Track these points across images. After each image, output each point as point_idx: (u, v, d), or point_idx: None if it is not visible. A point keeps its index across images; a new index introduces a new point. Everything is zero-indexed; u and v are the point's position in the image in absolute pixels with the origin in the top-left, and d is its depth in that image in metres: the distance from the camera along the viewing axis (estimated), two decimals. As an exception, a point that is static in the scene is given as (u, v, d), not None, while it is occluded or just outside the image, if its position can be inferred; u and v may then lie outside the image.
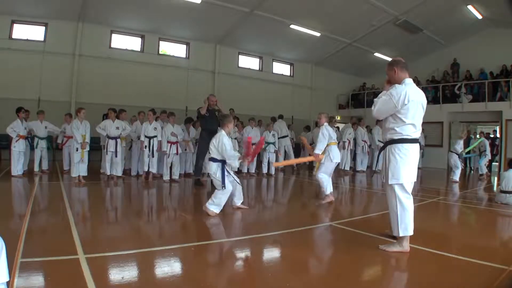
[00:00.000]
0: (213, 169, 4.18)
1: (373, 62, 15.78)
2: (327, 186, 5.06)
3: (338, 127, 11.50)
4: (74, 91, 10.85)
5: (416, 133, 2.94)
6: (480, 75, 13.15)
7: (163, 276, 2.40)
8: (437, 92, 13.41)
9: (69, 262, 2.48)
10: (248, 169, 8.83)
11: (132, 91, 11.41)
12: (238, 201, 4.54)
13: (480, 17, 12.14)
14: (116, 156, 6.75)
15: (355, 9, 11.17)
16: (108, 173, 6.78)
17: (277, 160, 9.53)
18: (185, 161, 7.93)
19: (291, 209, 4.77)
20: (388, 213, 3.11)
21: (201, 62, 13.16)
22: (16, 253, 2.51)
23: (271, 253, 3.13)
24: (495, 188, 7.27)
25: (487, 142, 10.31)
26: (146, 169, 7.21)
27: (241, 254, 3.10)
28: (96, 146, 7.89)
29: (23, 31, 10.37)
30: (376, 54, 15.02)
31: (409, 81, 2.95)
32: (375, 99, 3.04)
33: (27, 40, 10.35)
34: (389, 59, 12.02)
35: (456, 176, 8.54)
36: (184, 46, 13.16)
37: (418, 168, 3.20)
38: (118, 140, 6.84)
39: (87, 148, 6.60)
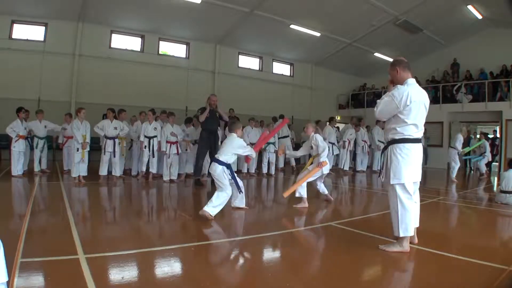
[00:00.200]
0: (218, 171, 4.06)
1: (373, 62, 15.78)
2: (303, 190, 4.91)
3: (338, 127, 11.51)
4: (74, 91, 10.86)
5: (418, 133, 2.93)
6: (480, 75, 13.16)
7: (163, 276, 2.39)
8: (437, 92, 13.42)
9: (69, 262, 2.47)
10: (248, 169, 8.83)
11: (132, 91, 11.42)
12: (239, 203, 4.47)
13: (480, 17, 12.15)
14: (114, 156, 6.74)
15: (355, 9, 11.17)
16: (104, 174, 6.74)
17: (277, 159, 9.53)
18: (186, 161, 7.91)
19: (291, 209, 4.77)
20: (388, 213, 3.11)
21: (201, 62, 13.16)
22: (16, 253, 2.51)
23: (271, 253, 3.12)
24: (495, 188, 7.27)
25: (487, 144, 10.32)
26: (144, 169, 7.20)
27: (241, 254, 3.10)
28: (96, 146, 7.89)
29: (23, 31, 10.37)
30: (376, 54, 15.02)
31: (411, 81, 2.94)
32: (378, 100, 3.04)
33: (27, 40, 10.35)
34: (389, 59, 12.02)
35: (454, 173, 8.56)
36: (184, 46, 13.16)
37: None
38: (116, 140, 6.83)
39: (88, 148, 6.60)
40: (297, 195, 4.89)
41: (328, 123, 10.03)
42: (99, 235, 3.42)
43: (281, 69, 15.73)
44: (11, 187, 6.11)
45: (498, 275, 2.45)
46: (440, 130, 13.29)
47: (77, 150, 6.46)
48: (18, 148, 6.86)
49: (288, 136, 10.30)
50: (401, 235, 2.88)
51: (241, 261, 2.93)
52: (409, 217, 2.87)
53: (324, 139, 5.62)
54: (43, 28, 10.57)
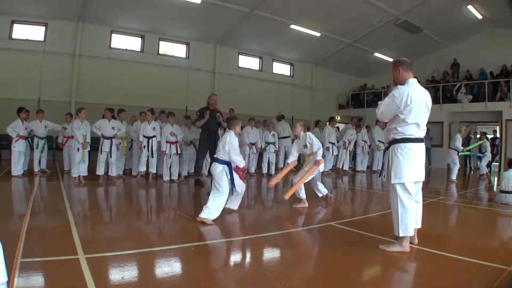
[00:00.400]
0: (218, 171, 3.94)
1: (373, 62, 15.79)
2: (302, 191, 4.88)
3: (338, 127, 11.51)
4: (74, 91, 10.86)
5: (420, 132, 2.93)
6: (480, 75, 13.15)
7: (163, 276, 2.40)
8: (437, 92, 13.42)
9: (69, 262, 2.47)
10: (248, 169, 8.83)
11: (132, 91, 11.42)
12: (232, 205, 4.37)
13: (480, 17, 12.15)
14: (110, 156, 6.73)
15: (355, 9, 11.17)
16: (101, 174, 6.73)
17: (277, 159, 9.53)
18: (185, 161, 7.89)
19: (291, 209, 4.77)
20: (388, 213, 3.11)
21: (201, 62, 13.16)
22: (16, 253, 2.51)
23: (271, 253, 3.12)
24: (495, 188, 7.27)
25: (488, 144, 10.32)
26: (142, 169, 7.19)
27: (241, 254, 3.10)
28: (96, 146, 7.88)
29: (23, 31, 10.38)
30: (376, 54, 15.02)
31: (412, 81, 2.95)
32: (379, 102, 3.04)
33: (27, 40, 10.36)
34: (389, 59, 12.04)
35: (454, 174, 8.58)
36: (184, 46, 13.16)
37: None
38: (113, 140, 6.82)
39: (88, 148, 6.60)
40: (296, 195, 4.88)
41: (328, 123, 10.04)
42: (99, 235, 3.42)
43: (281, 69, 15.73)
44: (11, 187, 6.11)
45: (498, 275, 2.45)
46: (440, 130, 13.29)
47: (78, 150, 6.46)
48: (18, 148, 6.86)
49: (289, 137, 10.30)
50: (401, 234, 2.88)
51: (241, 261, 2.93)
52: (409, 217, 2.87)
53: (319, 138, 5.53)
54: (43, 28, 10.57)
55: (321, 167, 4.97)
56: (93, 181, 6.57)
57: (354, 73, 17.39)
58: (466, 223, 4.63)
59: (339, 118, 15.90)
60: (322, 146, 9.37)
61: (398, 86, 2.95)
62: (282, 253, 3.13)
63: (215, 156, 4.11)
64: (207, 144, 6.81)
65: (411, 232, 2.89)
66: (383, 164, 3.20)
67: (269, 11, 10.99)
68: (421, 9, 11.21)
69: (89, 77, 10.93)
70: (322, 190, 5.23)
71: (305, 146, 4.96)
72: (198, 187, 6.63)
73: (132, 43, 12.15)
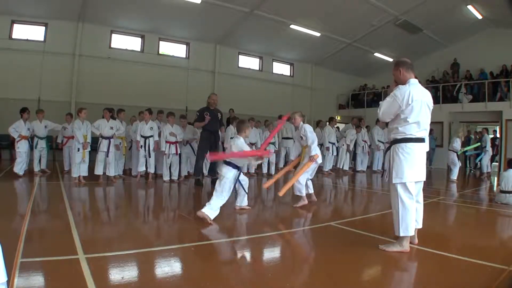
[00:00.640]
0: (229, 175, 3.94)
1: (373, 62, 15.79)
2: (303, 188, 4.84)
3: (338, 127, 11.51)
4: (74, 91, 10.87)
5: (420, 132, 2.94)
6: (480, 75, 13.15)
7: (163, 276, 2.39)
8: (437, 92, 13.42)
9: (69, 262, 2.47)
10: (248, 169, 8.82)
11: (132, 91, 11.42)
12: (241, 203, 4.46)
13: (480, 17, 12.15)
14: (107, 156, 6.73)
15: (355, 9, 11.18)
16: (99, 173, 6.72)
17: (277, 159, 9.53)
18: (182, 161, 7.86)
19: (291, 209, 4.77)
20: (388, 213, 3.11)
21: (201, 62, 13.16)
22: (16, 253, 2.51)
23: (271, 253, 3.12)
24: (495, 188, 7.27)
25: (488, 138, 10.30)
26: (141, 169, 7.18)
27: (241, 254, 3.10)
28: (96, 146, 7.89)
29: (23, 31, 10.38)
30: (376, 54, 15.03)
31: (413, 81, 2.96)
32: (380, 102, 3.04)
33: (27, 40, 10.36)
34: (389, 59, 12.05)
35: (454, 175, 8.61)
36: (184, 46, 13.16)
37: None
38: (112, 140, 6.82)
39: (89, 149, 6.60)
40: (296, 193, 4.84)
41: (328, 123, 10.04)
42: (99, 235, 3.42)
43: (281, 69, 15.74)
44: (11, 187, 6.11)
45: (498, 275, 2.45)
46: (440, 130, 13.29)
47: (78, 150, 6.47)
48: (21, 148, 6.85)
49: (291, 138, 10.29)
50: (401, 234, 2.88)
51: (241, 261, 2.93)
52: (409, 216, 2.87)
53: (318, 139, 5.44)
54: (43, 28, 10.57)
55: (319, 160, 4.92)
56: (93, 181, 6.57)
57: (354, 73, 17.39)
58: (466, 223, 4.63)
59: (339, 118, 15.90)
60: (322, 146, 9.40)
61: (400, 86, 2.96)
62: (282, 253, 3.13)
63: (229, 160, 4.09)
64: (207, 144, 6.81)
65: (411, 232, 2.89)
66: (383, 164, 3.20)
67: (269, 11, 11.00)
68: (421, 9, 11.22)
69: (89, 77, 10.93)
70: (309, 187, 5.11)
71: (301, 137, 4.96)
72: (198, 187, 6.63)
73: (132, 43, 12.15)
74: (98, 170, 6.70)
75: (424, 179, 3.02)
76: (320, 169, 5.94)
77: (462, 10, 11.73)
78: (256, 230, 3.67)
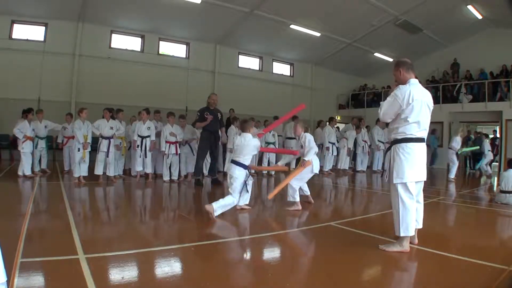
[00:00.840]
0: (241, 175, 4.07)
1: (373, 62, 15.79)
2: (296, 193, 4.74)
3: (338, 127, 11.51)
4: (74, 91, 10.87)
5: (421, 132, 2.94)
6: (480, 75, 13.15)
7: (163, 276, 2.39)
8: (437, 92, 13.42)
9: (69, 262, 2.47)
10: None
11: (132, 91, 11.42)
12: (242, 202, 4.44)
13: (480, 17, 12.15)
14: (107, 156, 6.73)
15: (355, 9, 11.18)
16: (99, 173, 6.71)
17: (277, 159, 9.52)
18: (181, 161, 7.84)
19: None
20: (388, 213, 3.11)
21: (201, 62, 13.16)
22: (16, 253, 2.51)
23: (271, 253, 3.12)
24: (495, 188, 7.28)
25: (487, 143, 10.32)
26: (139, 169, 7.17)
27: (241, 254, 3.10)
28: (96, 147, 7.89)
29: (23, 31, 10.38)
30: (376, 54, 15.02)
31: (414, 81, 2.97)
32: (381, 102, 3.05)
33: (27, 40, 10.36)
34: (389, 59, 12.03)
35: (452, 173, 8.65)
36: (184, 46, 13.16)
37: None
38: (112, 140, 6.82)
39: (89, 149, 6.60)
40: (289, 199, 4.70)
41: (328, 123, 10.04)
42: (99, 235, 3.42)
43: (281, 69, 15.73)
44: (11, 187, 6.11)
45: (498, 275, 2.45)
46: (440, 130, 13.28)
47: (78, 150, 6.47)
48: (27, 149, 6.83)
49: (295, 138, 10.30)
50: (402, 234, 2.88)
51: (241, 261, 2.93)
52: (410, 216, 2.87)
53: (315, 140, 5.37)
54: (43, 28, 10.57)
55: (316, 169, 4.82)
56: (93, 181, 6.57)
57: (354, 73, 17.39)
58: (466, 223, 4.63)
59: (339, 118, 15.90)
60: (322, 146, 9.40)
61: (400, 85, 2.96)
62: (282, 253, 3.13)
63: (235, 159, 4.17)
64: (208, 144, 6.81)
65: (411, 232, 2.89)
66: (383, 164, 3.21)
67: (269, 11, 11.00)
68: (421, 9, 11.21)
69: (89, 77, 10.93)
70: (305, 189, 5.07)
71: (302, 146, 4.94)
72: (198, 187, 6.62)
73: (132, 43, 12.15)
74: (98, 170, 6.69)
75: (425, 179, 3.02)
76: (320, 169, 5.91)
77: (462, 10, 11.72)
78: (256, 230, 3.67)
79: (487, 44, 13.29)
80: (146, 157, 7.11)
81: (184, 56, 13.16)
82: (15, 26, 10.29)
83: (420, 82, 3.10)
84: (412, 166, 2.89)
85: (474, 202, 6.15)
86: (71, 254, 2.60)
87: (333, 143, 9.76)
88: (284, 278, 2.42)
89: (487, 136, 11.00)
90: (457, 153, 8.87)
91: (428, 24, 12.54)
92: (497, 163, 12.22)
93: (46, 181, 6.75)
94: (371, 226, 3.85)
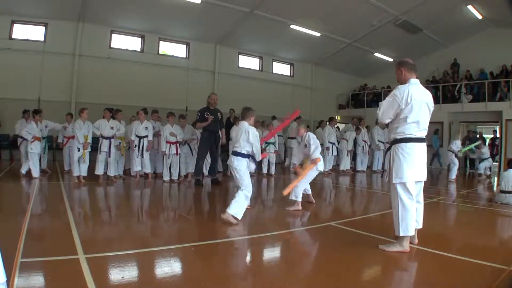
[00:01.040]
0: (242, 165, 3.81)
1: (373, 62, 15.78)
2: (300, 193, 4.77)
3: (338, 127, 11.51)
4: (74, 91, 10.86)
5: (420, 132, 2.94)
6: (480, 75, 13.15)
7: (163, 276, 2.40)
8: (437, 92, 13.42)
9: (69, 262, 2.47)
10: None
11: (132, 91, 11.42)
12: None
13: (480, 17, 12.14)
14: (109, 156, 6.72)
15: (355, 9, 11.17)
16: (100, 173, 6.70)
17: (278, 159, 9.55)
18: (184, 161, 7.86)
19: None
20: (388, 213, 3.11)
21: (201, 62, 13.15)
22: (16, 253, 2.51)
23: (271, 253, 3.12)
24: (495, 188, 7.28)
25: (486, 149, 10.33)
26: (138, 169, 7.17)
27: (241, 254, 3.10)
28: (96, 147, 7.90)
29: (23, 31, 10.38)
30: (376, 54, 15.02)
31: (414, 81, 2.97)
32: (379, 103, 3.05)
33: (27, 40, 10.35)
34: (389, 59, 12.02)
35: (453, 174, 8.67)
36: (184, 46, 13.16)
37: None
38: (112, 140, 6.82)
39: (89, 149, 6.60)
40: (291, 197, 4.73)
41: (328, 123, 10.04)
42: (99, 235, 3.42)
43: (281, 69, 15.73)
44: (11, 187, 6.11)
45: (498, 275, 2.45)
46: (440, 130, 13.28)
47: (78, 150, 6.47)
48: (35, 149, 6.80)
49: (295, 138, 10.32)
50: (401, 234, 2.88)
51: (241, 261, 2.93)
52: (409, 216, 2.87)
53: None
54: (43, 28, 10.56)
55: (320, 166, 4.92)
56: (93, 181, 6.57)
57: (354, 73, 17.38)
58: (466, 223, 4.63)
59: (339, 118, 15.89)
60: (322, 146, 9.41)
61: (399, 85, 2.96)
62: (282, 253, 3.13)
63: (233, 150, 3.96)
64: (208, 144, 6.81)
65: (411, 232, 2.89)
66: (383, 164, 3.21)
67: (269, 11, 10.99)
68: (421, 9, 11.21)
69: (89, 77, 10.92)
70: (307, 188, 5.07)
71: (305, 146, 4.98)
72: (198, 187, 6.63)
73: (132, 43, 12.14)
74: (99, 170, 6.70)
75: (425, 179, 3.02)
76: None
77: (462, 10, 11.72)
78: (256, 230, 3.67)
79: (487, 44, 13.29)
80: (143, 157, 7.10)
81: (184, 56, 13.15)
82: (15, 26, 10.28)
83: (420, 82, 3.10)
84: (411, 166, 2.89)
85: (474, 202, 6.16)
86: (71, 254, 2.60)
87: (333, 143, 9.77)
88: (284, 278, 2.42)
89: (484, 141, 10.96)
90: (456, 154, 8.91)
91: (428, 24, 12.54)
92: (497, 163, 12.22)
93: (46, 181, 6.75)
94: (371, 226, 3.85)
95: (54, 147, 9.21)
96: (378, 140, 10.40)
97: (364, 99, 16.28)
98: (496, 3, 11.01)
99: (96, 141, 6.93)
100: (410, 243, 2.96)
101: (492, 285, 2.31)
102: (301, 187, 4.78)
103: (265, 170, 9.09)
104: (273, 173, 9.13)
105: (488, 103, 12.21)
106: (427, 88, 3.22)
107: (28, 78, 10.12)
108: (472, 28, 13.10)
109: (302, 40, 13.33)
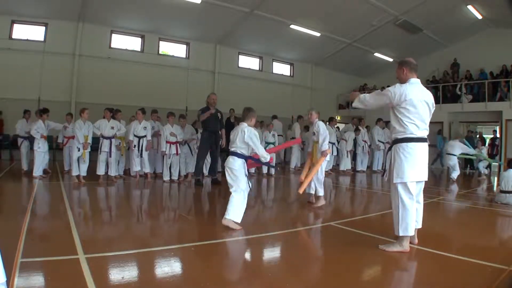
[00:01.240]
0: (237, 165, 3.65)
1: (373, 62, 15.79)
2: (322, 186, 4.83)
3: (338, 127, 11.50)
4: (74, 91, 10.87)
5: (421, 131, 2.94)
6: (480, 75, 13.15)
7: (163, 276, 2.40)
8: (437, 92, 13.42)
9: (69, 262, 2.47)
10: (248, 169, 8.81)
11: (132, 91, 11.42)
12: None
13: (480, 17, 12.15)
14: (110, 156, 6.73)
15: (355, 9, 11.17)
16: (101, 173, 6.70)
17: (277, 160, 9.56)
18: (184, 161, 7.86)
19: (291, 209, 4.78)
20: (388, 213, 3.11)
21: (201, 62, 13.16)
22: (16, 253, 2.51)
23: (271, 253, 3.12)
24: (495, 188, 7.27)
25: (485, 152, 10.33)
26: (137, 169, 7.16)
27: (241, 254, 3.10)
28: (96, 147, 7.90)
29: (23, 31, 10.38)
30: (376, 54, 15.02)
31: (414, 80, 2.98)
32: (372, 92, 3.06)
33: (27, 40, 10.36)
34: (389, 59, 12.00)
35: (455, 174, 8.62)
36: (184, 46, 13.16)
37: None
38: (113, 140, 6.82)
39: (89, 149, 6.60)
40: (318, 193, 4.85)
41: (328, 123, 10.03)
42: (99, 235, 3.42)
43: (281, 69, 15.73)
44: (11, 187, 6.11)
45: (498, 275, 2.45)
46: (440, 130, 13.28)
47: (78, 150, 6.47)
48: (42, 148, 6.81)
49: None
50: (401, 234, 2.88)
51: (241, 261, 2.94)
52: (409, 216, 2.87)
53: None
54: (43, 28, 10.57)
55: (328, 156, 4.99)
56: (93, 181, 6.57)
57: (354, 73, 17.38)
58: (466, 223, 4.63)
59: (339, 118, 15.89)
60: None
61: (398, 84, 2.97)
62: (282, 253, 3.13)
63: (231, 149, 3.82)
64: (208, 144, 6.81)
65: (411, 232, 2.89)
66: (383, 164, 3.21)
67: (269, 11, 10.99)
68: (421, 9, 11.21)
69: (89, 77, 10.93)
70: (311, 187, 5.05)
71: (314, 133, 5.03)
72: (198, 187, 6.63)
73: (132, 43, 12.15)
74: (101, 170, 6.71)
75: (426, 179, 3.01)
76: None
77: (462, 10, 11.72)
78: (256, 230, 3.67)
79: (487, 44, 13.29)
80: (142, 156, 7.10)
81: (184, 56, 13.16)
82: (15, 26, 10.29)
83: (420, 82, 3.10)
84: (413, 166, 2.89)
85: (474, 202, 6.15)
86: (71, 254, 2.60)
87: (333, 143, 9.76)
88: (284, 278, 2.42)
89: (483, 141, 10.93)
90: (456, 156, 8.85)
91: (428, 24, 12.54)
92: (497, 163, 12.21)
93: (46, 181, 6.75)
94: (371, 226, 3.85)
95: (54, 147, 9.21)
96: (378, 140, 10.39)
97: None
98: (496, 3, 11.01)
99: (96, 141, 6.93)
100: (410, 243, 2.96)
101: (492, 285, 2.31)
102: (321, 179, 4.90)
103: (265, 170, 9.08)
104: (273, 173, 9.12)
105: (488, 103, 12.21)
106: (427, 88, 3.22)
107: (28, 78, 10.13)
108: (472, 28, 13.10)
109: (302, 40, 13.33)
